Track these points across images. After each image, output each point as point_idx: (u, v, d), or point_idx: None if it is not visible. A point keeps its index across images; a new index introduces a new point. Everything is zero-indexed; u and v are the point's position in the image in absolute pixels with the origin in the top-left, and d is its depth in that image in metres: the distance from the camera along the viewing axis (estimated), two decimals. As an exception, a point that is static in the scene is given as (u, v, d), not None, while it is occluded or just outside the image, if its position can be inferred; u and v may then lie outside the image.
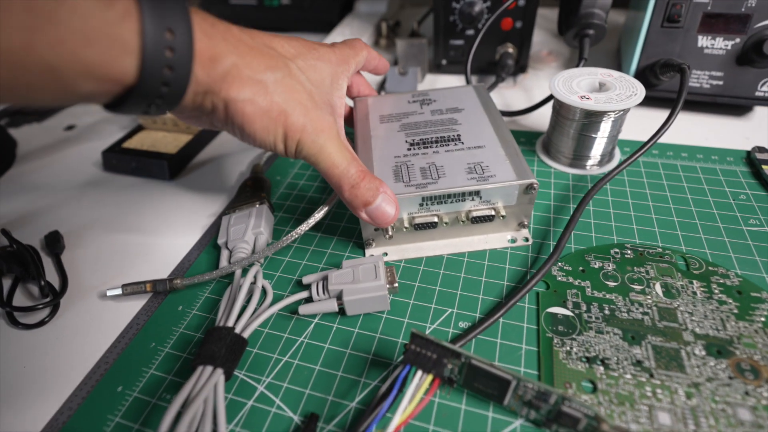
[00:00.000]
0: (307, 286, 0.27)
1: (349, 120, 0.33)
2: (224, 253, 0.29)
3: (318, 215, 0.28)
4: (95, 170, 0.41)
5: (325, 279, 0.26)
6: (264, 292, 0.27)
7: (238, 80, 0.21)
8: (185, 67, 0.18)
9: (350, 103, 0.34)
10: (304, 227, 0.27)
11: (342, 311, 0.25)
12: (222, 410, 0.20)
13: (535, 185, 0.26)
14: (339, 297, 0.25)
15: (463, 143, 0.29)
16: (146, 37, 0.17)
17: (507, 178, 0.26)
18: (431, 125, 0.31)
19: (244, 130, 0.22)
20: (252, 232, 0.29)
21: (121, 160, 0.40)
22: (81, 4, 0.15)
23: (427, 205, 0.26)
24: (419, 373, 0.19)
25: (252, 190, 0.33)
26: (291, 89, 0.22)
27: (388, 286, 0.25)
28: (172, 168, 0.39)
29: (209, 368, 0.21)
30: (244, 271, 0.28)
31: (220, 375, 0.21)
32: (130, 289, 0.27)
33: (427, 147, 0.29)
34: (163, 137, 0.42)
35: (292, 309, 0.26)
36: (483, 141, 0.29)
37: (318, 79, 0.25)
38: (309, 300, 0.26)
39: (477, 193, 0.26)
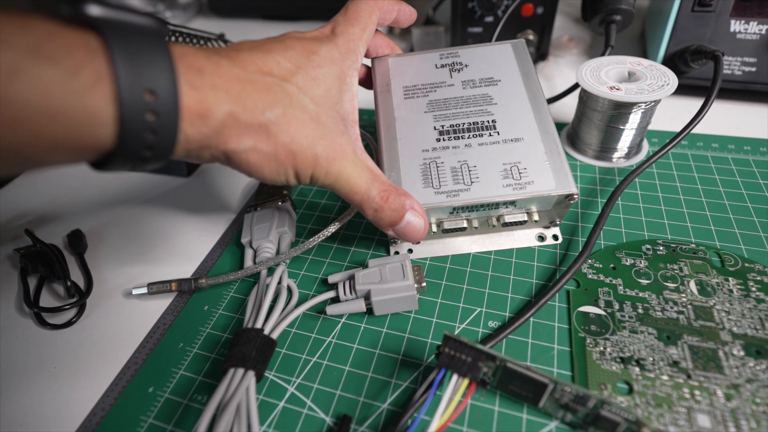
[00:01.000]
0: (333, 286, 0.27)
1: (367, 82, 0.31)
2: (248, 252, 0.29)
3: (348, 217, 0.27)
4: (113, 166, 0.41)
5: (351, 278, 0.26)
6: (290, 291, 0.27)
7: (236, 130, 0.18)
8: (170, 129, 0.16)
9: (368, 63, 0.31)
10: (333, 228, 0.27)
11: (369, 311, 0.25)
12: (255, 413, 0.20)
13: (575, 196, 0.24)
14: (366, 297, 0.25)
15: (498, 133, 0.27)
16: (122, 103, 0.15)
17: (546, 188, 0.24)
18: (462, 104, 0.28)
19: (252, 175, 0.21)
20: (276, 231, 0.29)
21: (139, 156, 0.39)
22: (40, 76, 0.13)
23: (457, 212, 0.26)
24: (454, 376, 0.19)
25: (272, 186, 0.33)
26: (295, 122, 0.20)
27: (416, 285, 0.25)
28: (189, 164, 0.38)
29: (240, 371, 0.21)
30: (270, 270, 0.28)
31: (251, 377, 0.21)
32: (156, 288, 0.27)
33: (459, 137, 0.27)
34: (180, 132, 0.42)
35: (319, 309, 0.26)
36: (521, 131, 0.27)
37: (322, 93, 0.22)
38: (336, 300, 0.26)
39: (513, 202, 0.25)
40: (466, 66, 0.30)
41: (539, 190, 0.24)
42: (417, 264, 0.26)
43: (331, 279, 0.27)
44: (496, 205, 0.25)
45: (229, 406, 0.20)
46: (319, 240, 0.27)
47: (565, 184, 0.24)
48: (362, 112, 0.43)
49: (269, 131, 0.19)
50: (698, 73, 0.37)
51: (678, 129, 0.36)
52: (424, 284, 0.25)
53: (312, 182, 0.22)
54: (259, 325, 0.23)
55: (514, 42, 0.31)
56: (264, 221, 0.29)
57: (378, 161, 0.27)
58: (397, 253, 0.28)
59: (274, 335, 0.23)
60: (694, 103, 0.39)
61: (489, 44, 0.31)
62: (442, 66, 0.30)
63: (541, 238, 0.28)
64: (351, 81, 0.25)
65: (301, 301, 0.26)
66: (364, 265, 0.26)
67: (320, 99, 0.22)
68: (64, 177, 0.40)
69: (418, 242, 0.26)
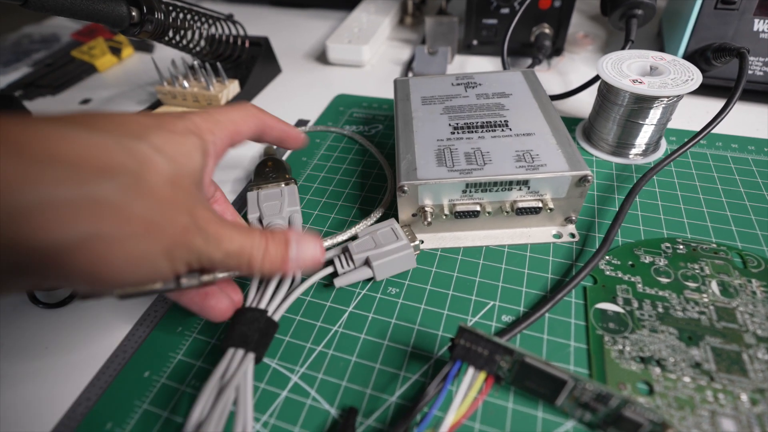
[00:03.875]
0: (328, 263, 0.26)
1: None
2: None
3: (374, 216, 0.28)
4: (113, 146, 0.40)
5: (345, 251, 0.25)
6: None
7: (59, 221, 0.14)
8: None
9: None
10: (365, 223, 0.27)
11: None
12: (250, 398, 0.19)
13: (589, 177, 0.24)
14: (366, 264, 0.25)
15: (510, 129, 0.27)
16: None
17: (559, 169, 0.24)
18: (476, 109, 0.29)
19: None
20: (288, 209, 0.28)
21: (140, 135, 0.38)
22: None
23: (470, 192, 0.25)
24: (471, 370, 0.18)
25: (274, 170, 0.32)
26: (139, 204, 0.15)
27: (411, 243, 0.25)
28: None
29: (241, 352, 0.20)
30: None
31: (251, 360, 0.20)
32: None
33: (472, 132, 0.27)
34: (183, 113, 0.40)
35: (324, 297, 0.25)
36: (532, 128, 0.27)
37: (179, 157, 0.18)
38: (335, 275, 0.25)
39: (525, 182, 0.24)
40: (479, 84, 0.32)
41: (552, 170, 0.24)
42: (407, 225, 0.27)
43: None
44: (509, 186, 0.25)
45: (227, 389, 0.19)
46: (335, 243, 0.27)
47: (578, 165, 0.24)
48: (361, 99, 0.42)
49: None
50: (717, 73, 0.36)
51: (695, 128, 0.35)
52: (417, 242, 0.26)
53: (188, 266, 0.18)
54: (263, 305, 0.22)
55: (524, 70, 0.34)
56: (272, 199, 0.29)
57: (394, 150, 0.29)
58: (415, 235, 0.27)
59: (276, 317, 0.22)
60: (712, 103, 0.38)
61: (500, 71, 0.34)
62: (458, 84, 0.33)
63: (558, 236, 0.27)
64: (208, 164, 0.20)
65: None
66: (352, 237, 0.27)
67: (178, 163, 0.18)
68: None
69: (429, 224, 0.26)
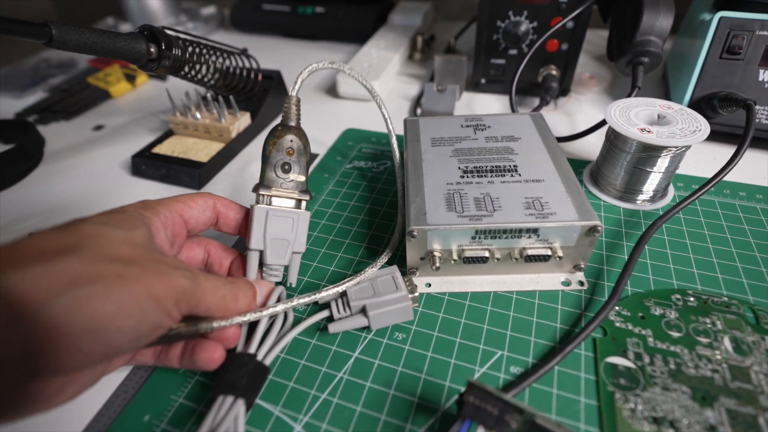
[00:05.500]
0: (325, 305, 0.26)
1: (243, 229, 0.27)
2: (253, 262, 0.26)
3: (379, 262, 0.28)
4: (122, 173, 0.40)
5: (343, 295, 0.25)
6: (285, 315, 0.25)
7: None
8: None
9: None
10: (369, 272, 0.27)
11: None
12: None
13: (599, 228, 0.24)
14: (362, 311, 0.24)
15: (520, 175, 0.27)
16: None
17: (569, 218, 0.24)
18: (486, 153, 0.30)
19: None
20: (291, 251, 0.26)
21: (151, 165, 0.39)
22: None
23: (479, 238, 0.25)
24: (480, 430, 0.18)
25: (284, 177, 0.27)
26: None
27: (410, 296, 0.25)
28: (202, 177, 0.38)
29: (230, 398, 0.20)
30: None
31: (241, 406, 0.20)
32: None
33: (482, 176, 0.27)
34: (194, 144, 0.41)
35: (330, 341, 0.25)
36: (541, 174, 0.27)
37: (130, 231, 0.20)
38: (330, 319, 0.25)
39: (535, 230, 0.24)
40: (489, 127, 0.33)
41: (562, 219, 0.24)
42: (407, 275, 0.27)
43: (321, 298, 0.25)
44: (519, 234, 0.25)
45: None
46: (335, 293, 0.25)
47: (587, 215, 0.24)
48: (371, 134, 0.42)
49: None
50: (724, 120, 0.37)
51: (703, 174, 0.35)
52: (416, 294, 0.25)
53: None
54: (252, 350, 0.22)
55: (533, 114, 0.34)
56: (282, 229, 0.26)
57: (404, 192, 0.29)
58: (416, 288, 0.26)
59: (267, 361, 0.22)
60: (720, 149, 0.38)
61: (509, 114, 0.34)
62: (467, 126, 0.33)
63: (566, 283, 0.27)
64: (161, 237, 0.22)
65: (295, 323, 0.25)
66: (348, 279, 0.26)
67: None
68: (72, 177, 0.39)
69: (438, 268, 0.25)
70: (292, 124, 0.27)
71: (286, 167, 0.26)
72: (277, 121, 0.47)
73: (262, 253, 0.26)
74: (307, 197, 0.27)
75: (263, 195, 0.26)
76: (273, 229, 0.26)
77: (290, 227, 0.26)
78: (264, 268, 0.26)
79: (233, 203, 0.26)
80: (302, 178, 0.27)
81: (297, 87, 0.27)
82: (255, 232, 0.25)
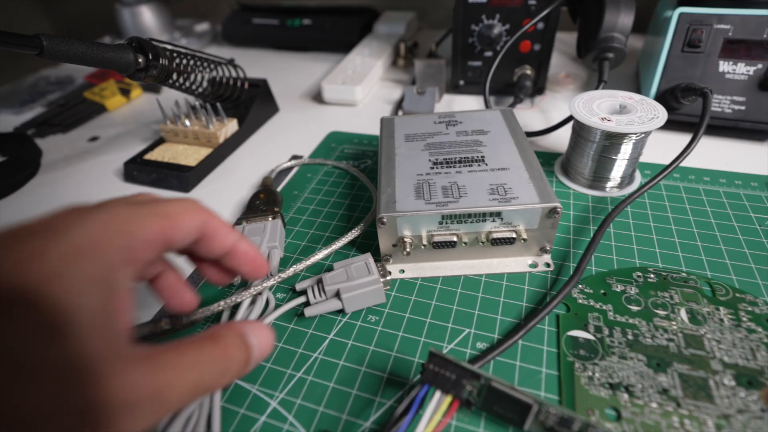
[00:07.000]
0: (302, 292, 0.27)
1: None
2: None
3: (346, 238, 0.29)
4: (115, 180, 0.42)
5: (319, 282, 0.27)
6: (267, 301, 0.27)
7: None
8: None
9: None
10: (320, 254, 0.28)
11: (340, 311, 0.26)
12: (217, 415, 0.20)
13: (558, 209, 0.25)
14: (336, 295, 0.26)
15: (486, 164, 0.29)
16: None
17: (530, 201, 0.26)
18: (456, 146, 0.31)
19: None
20: (267, 245, 0.29)
21: (142, 171, 0.40)
22: None
23: (446, 223, 0.26)
24: (437, 393, 0.19)
25: (264, 203, 0.34)
26: None
27: (382, 279, 0.26)
28: (191, 180, 0.39)
29: None
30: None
31: None
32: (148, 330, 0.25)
33: (451, 167, 0.29)
34: (184, 150, 0.43)
35: (306, 325, 0.26)
36: (507, 163, 0.29)
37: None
38: (308, 304, 0.26)
39: (498, 214, 0.26)
40: (460, 122, 0.34)
41: (523, 203, 0.26)
42: (380, 260, 0.28)
43: (299, 286, 0.27)
44: (483, 217, 0.26)
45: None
46: (308, 265, 0.28)
47: (548, 198, 0.26)
48: (353, 136, 0.44)
49: None
50: (689, 110, 0.38)
51: (669, 162, 0.36)
52: (388, 278, 0.27)
53: None
54: None
55: (503, 109, 0.36)
56: (255, 235, 0.30)
57: (377, 184, 0.30)
58: (390, 273, 0.28)
59: None
60: (686, 139, 0.40)
61: (481, 110, 0.36)
62: (440, 122, 0.35)
63: (533, 265, 0.28)
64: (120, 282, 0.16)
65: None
66: (328, 269, 0.28)
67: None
68: (68, 186, 0.41)
69: (408, 254, 0.27)
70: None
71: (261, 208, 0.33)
72: (264, 127, 0.49)
73: None
74: (278, 215, 0.32)
75: (242, 219, 0.32)
76: (248, 235, 0.30)
77: (262, 229, 0.30)
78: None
79: (225, 226, 0.20)
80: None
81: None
82: None
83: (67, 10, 0.90)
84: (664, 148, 0.39)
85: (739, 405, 0.20)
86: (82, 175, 0.43)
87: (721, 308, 0.25)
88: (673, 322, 0.24)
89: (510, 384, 0.19)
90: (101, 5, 0.82)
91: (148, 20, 0.70)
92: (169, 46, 0.38)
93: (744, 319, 0.24)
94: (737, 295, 0.25)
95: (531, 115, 0.46)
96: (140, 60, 0.34)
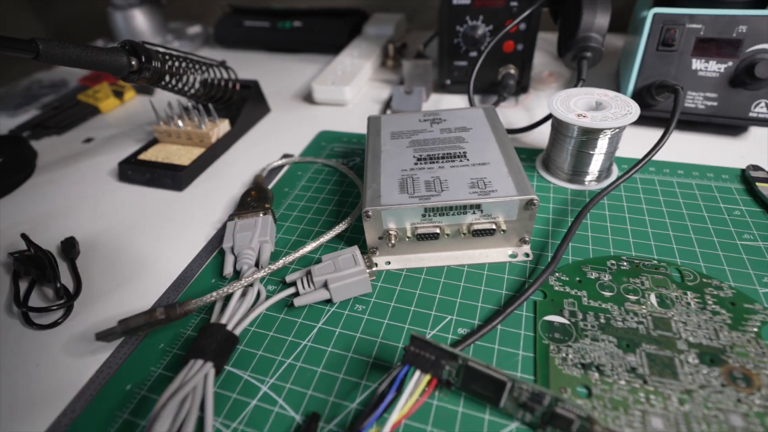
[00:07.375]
0: (292, 284, 0.28)
1: None
2: (229, 258, 0.30)
3: (333, 232, 0.31)
4: (110, 180, 0.43)
5: (308, 274, 0.28)
6: (258, 293, 0.28)
7: None
8: None
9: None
10: (309, 247, 0.29)
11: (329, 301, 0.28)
12: (210, 399, 0.22)
13: (535, 201, 0.27)
14: (324, 286, 0.27)
15: (468, 160, 0.30)
16: None
17: (508, 193, 0.27)
18: (439, 142, 0.32)
19: None
20: (258, 240, 0.30)
21: (136, 171, 0.41)
22: None
23: (429, 216, 0.28)
24: (417, 373, 0.20)
25: (256, 199, 0.35)
26: None
27: (368, 270, 0.27)
28: (184, 179, 0.40)
29: (200, 362, 0.23)
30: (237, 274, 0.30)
31: (210, 368, 0.23)
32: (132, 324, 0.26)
33: (434, 162, 0.30)
34: (177, 150, 0.44)
35: (296, 315, 0.27)
36: (488, 158, 0.30)
37: None
38: (297, 295, 0.28)
39: (478, 206, 0.27)
40: (444, 120, 0.36)
41: (501, 195, 0.27)
42: (366, 253, 0.29)
43: (289, 278, 0.28)
44: (464, 210, 0.27)
45: (184, 388, 0.21)
46: (297, 257, 0.29)
47: (525, 190, 0.27)
48: (342, 135, 0.45)
49: None
50: (665, 106, 0.40)
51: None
52: (374, 269, 0.28)
53: None
54: (223, 321, 0.25)
55: (485, 107, 0.37)
56: (246, 230, 0.31)
57: (362, 179, 0.31)
58: (376, 264, 0.29)
59: (237, 331, 0.25)
60: (662, 133, 0.41)
61: (464, 108, 0.37)
62: (425, 120, 0.36)
63: (513, 255, 0.30)
64: None
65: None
66: (316, 261, 0.29)
67: None
68: (63, 186, 0.42)
69: (393, 246, 0.28)
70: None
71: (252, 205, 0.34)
72: (256, 127, 0.50)
73: (233, 248, 0.30)
74: (268, 211, 0.33)
75: (234, 215, 0.33)
76: (239, 232, 0.31)
77: (253, 225, 0.31)
78: (237, 256, 0.30)
79: None
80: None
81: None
82: (225, 239, 0.31)
83: (60, 14, 0.90)
84: (641, 143, 0.40)
85: (702, 381, 0.22)
86: (77, 175, 0.44)
87: (688, 293, 0.26)
88: (643, 306, 0.25)
89: (486, 363, 0.20)
90: (94, 9, 0.83)
91: (141, 23, 0.71)
92: (161, 49, 0.39)
93: (709, 302, 0.25)
94: (704, 280, 0.27)
95: (515, 113, 0.47)
96: (133, 63, 0.35)
